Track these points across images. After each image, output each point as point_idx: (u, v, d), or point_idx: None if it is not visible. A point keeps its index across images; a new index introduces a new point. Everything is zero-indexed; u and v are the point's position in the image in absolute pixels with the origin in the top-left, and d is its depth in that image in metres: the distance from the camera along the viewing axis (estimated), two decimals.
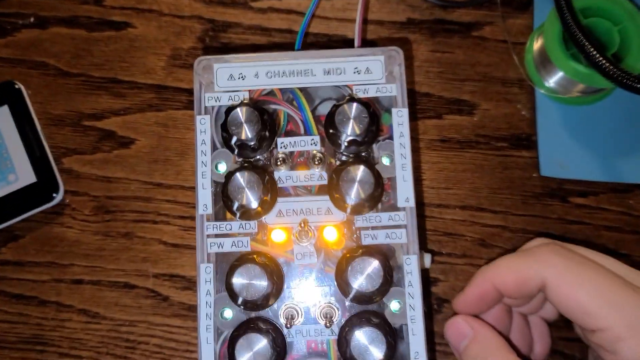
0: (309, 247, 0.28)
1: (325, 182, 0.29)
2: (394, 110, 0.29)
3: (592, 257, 0.25)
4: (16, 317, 0.36)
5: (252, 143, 0.27)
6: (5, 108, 0.37)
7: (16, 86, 0.38)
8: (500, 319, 0.28)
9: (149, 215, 0.37)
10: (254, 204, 0.27)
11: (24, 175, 0.37)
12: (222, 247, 0.28)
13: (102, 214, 0.37)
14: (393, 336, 0.26)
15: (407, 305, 0.27)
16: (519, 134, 0.37)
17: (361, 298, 0.27)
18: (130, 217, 0.37)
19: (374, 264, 0.26)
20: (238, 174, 0.27)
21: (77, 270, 0.36)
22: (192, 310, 0.36)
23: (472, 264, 0.36)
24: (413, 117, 0.37)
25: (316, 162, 0.28)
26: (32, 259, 0.37)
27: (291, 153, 0.29)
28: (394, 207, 0.29)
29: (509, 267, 0.26)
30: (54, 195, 0.37)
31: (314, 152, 0.29)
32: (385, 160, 0.29)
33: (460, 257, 0.36)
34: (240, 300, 0.26)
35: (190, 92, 0.39)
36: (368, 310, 0.27)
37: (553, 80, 0.37)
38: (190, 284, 0.36)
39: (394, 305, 0.28)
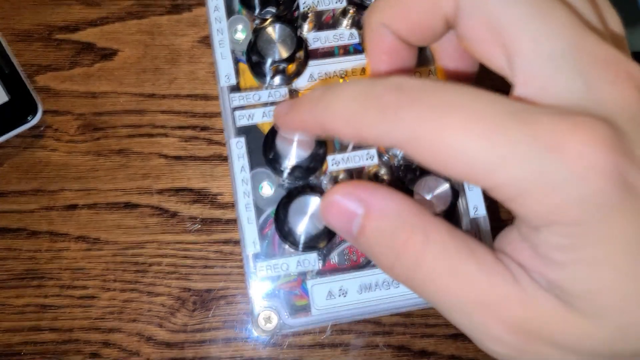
0: None
1: (356, 40, 0.26)
2: None
3: None
4: (4, 252, 0.31)
5: None
6: None
7: None
8: None
9: (144, 129, 0.33)
10: (288, 59, 0.24)
11: None
12: (252, 118, 0.25)
13: (90, 132, 0.33)
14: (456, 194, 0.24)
15: None
16: None
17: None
18: (123, 133, 0.33)
19: None
20: (269, 27, 0.24)
21: (69, 195, 0.32)
22: (205, 223, 0.33)
23: None
24: None
25: (347, 18, 0.26)
26: (14, 188, 0.32)
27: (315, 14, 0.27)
28: None
29: None
30: (32, 115, 0.32)
31: (341, 8, 0.26)
32: None
33: None
34: (285, 164, 0.23)
35: None
36: None
37: None
38: (200, 197, 0.33)
39: None
